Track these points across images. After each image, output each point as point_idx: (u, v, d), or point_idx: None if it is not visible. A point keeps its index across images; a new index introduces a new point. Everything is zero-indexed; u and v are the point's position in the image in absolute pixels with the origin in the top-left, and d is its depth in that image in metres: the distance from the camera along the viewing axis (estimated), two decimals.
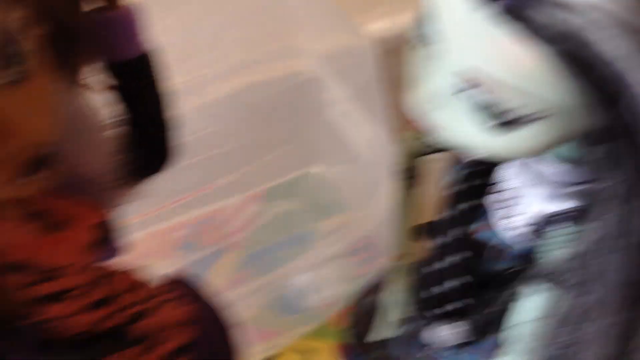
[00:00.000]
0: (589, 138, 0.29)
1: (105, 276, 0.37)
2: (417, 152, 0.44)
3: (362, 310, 0.51)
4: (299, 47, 0.77)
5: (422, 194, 0.46)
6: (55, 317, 0.33)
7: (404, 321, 0.46)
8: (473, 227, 0.37)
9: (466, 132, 0.30)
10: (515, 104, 0.27)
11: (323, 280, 0.71)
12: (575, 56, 0.23)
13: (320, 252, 0.72)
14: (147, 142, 0.36)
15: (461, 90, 0.28)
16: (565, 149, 0.33)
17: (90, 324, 0.35)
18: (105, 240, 0.37)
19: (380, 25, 0.85)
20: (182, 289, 0.44)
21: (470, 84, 0.27)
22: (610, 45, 0.23)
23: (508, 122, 0.28)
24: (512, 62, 0.25)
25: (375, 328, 0.47)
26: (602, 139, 0.26)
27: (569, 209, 0.33)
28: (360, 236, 0.72)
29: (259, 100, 0.76)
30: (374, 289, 0.52)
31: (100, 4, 0.34)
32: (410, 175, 0.45)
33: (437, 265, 0.40)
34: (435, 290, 0.40)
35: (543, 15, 0.23)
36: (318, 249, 0.75)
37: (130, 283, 0.38)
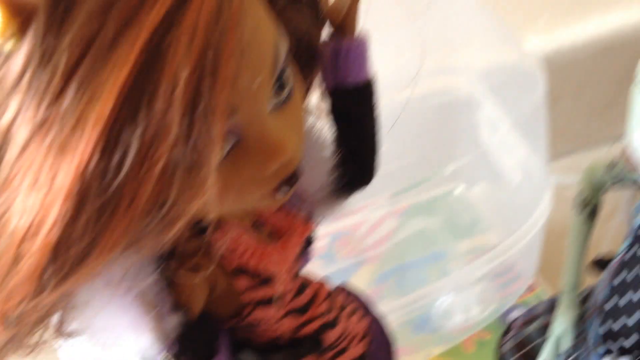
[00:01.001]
0: None
1: (306, 284, 0.40)
2: (603, 184, 0.45)
3: (521, 340, 0.52)
4: (457, 64, 0.79)
5: (598, 226, 0.47)
6: (264, 320, 0.37)
7: (569, 353, 0.47)
8: None
9: None
10: None
11: (462, 302, 0.72)
12: None
13: (460, 274, 0.73)
14: (359, 161, 0.39)
15: None
16: None
17: (293, 328, 0.39)
18: (307, 250, 0.40)
19: (540, 41, 0.86)
20: (357, 301, 0.47)
21: None
22: None
23: None
24: None
25: (538, 358, 0.48)
26: None
27: None
28: (502, 260, 0.72)
29: (410, 116, 0.78)
30: (531, 318, 0.53)
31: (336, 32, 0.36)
32: (590, 206, 0.46)
33: (618, 301, 0.41)
34: (612, 325, 0.41)
35: None
36: (458, 270, 0.77)
37: (326, 292, 0.41)
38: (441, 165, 0.86)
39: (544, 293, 0.79)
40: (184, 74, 0.23)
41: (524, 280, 0.78)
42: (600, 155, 0.47)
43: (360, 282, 0.81)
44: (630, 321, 0.40)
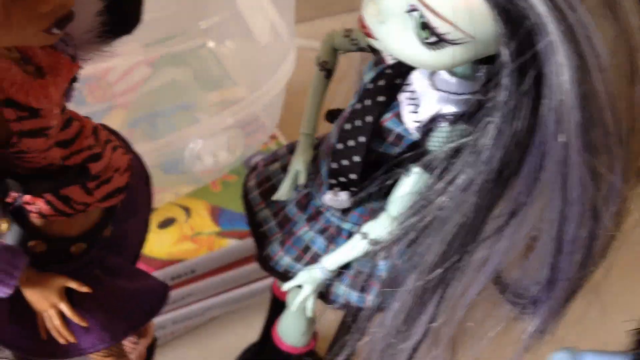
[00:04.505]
0: (491, 61, 0.38)
1: (72, 119, 0.42)
2: (341, 47, 0.52)
3: (264, 177, 0.59)
4: None
5: (335, 83, 0.55)
6: (33, 150, 0.39)
7: (302, 187, 0.56)
8: (385, 116, 0.46)
9: (402, 45, 0.38)
10: (445, 30, 0.36)
11: (211, 147, 0.78)
12: (505, 8, 0.32)
13: (210, 122, 0.79)
14: (125, 7, 0.41)
15: (408, 11, 0.37)
16: (458, 67, 0.43)
17: (61, 158, 0.41)
18: (72, 88, 0.42)
19: None
20: (118, 138, 0.50)
21: (415, 7, 0.36)
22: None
23: (436, 42, 0.37)
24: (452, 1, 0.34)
25: (277, 191, 0.56)
26: (502, 66, 0.36)
27: (452, 113, 0.44)
28: (248, 112, 0.79)
29: None
30: (273, 159, 0.60)
31: None
32: (328, 67, 0.53)
33: (342, 146, 0.49)
34: (337, 164, 0.50)
35: None
36: (207, 119, 0.82)
37: (92, 127, 0.44)
38: (194, 20, 0.88)
39: (284, 142, 0.88)
40: None
41: (267, 130, 0.86)
42: (339, 22, 0.54)
43: (111, 127, 0.83)
44: (348, 162, 0.49)
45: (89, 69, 0.81)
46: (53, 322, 0.46)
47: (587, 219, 0.36)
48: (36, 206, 0.43)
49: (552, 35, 0.30)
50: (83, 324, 0.46)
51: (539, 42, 0.31)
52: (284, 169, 0.57)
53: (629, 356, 0.28)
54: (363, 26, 0.40)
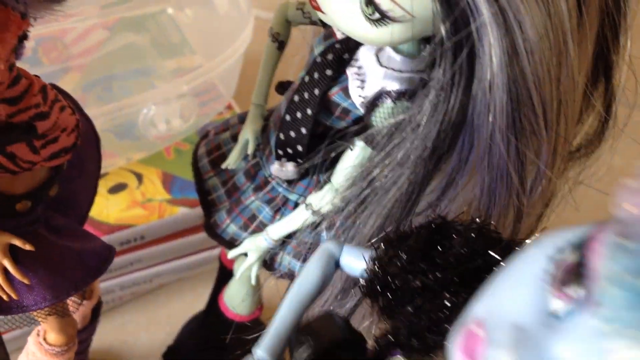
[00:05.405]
0: (431, 40, 0.40)
1: (20, 76, 0.42)
2: (293, 20, 0.53)
3: (214, 144, 0.60)
4: None
5: (285, 55, 0.55)
6: None
7: (251, 156, 0.56)
8: (332, 90, 0.48)
9: (347, 19, 0.39)
10: (387, 7, 0.37)
11: (165, 113, 0.78)
12: None
13: (165, 88, 0.79)
14: None
15: None
16: (403, 46, 0.44)
17: (7, 115, 0.41)
18: (21, 46, 0.42)
19: None
20: (68, 99, 0.50)
21: None
22: None
23: (379, 19, 0.38)
24: None
25: (227, 160, 0.57)
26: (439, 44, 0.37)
27: (396, 90, 0.45)
28: (205, 79, 0.79)
29: None
30: (224, 128, 0.61)
31: None
32: (280, 38, 0.54)
33: (290, 117, 0.50)
34: (284, 136, 0.51)
35: None
36: (163, 86, 0.82)
37: (40, 86, 0.44)
38: None
39: (239, 112, 0.89)
40: None
41: (222, 100, 0.87)
42: None
43: (66, 89, 0.82)
44: (295, 134, 0.50)
45: (44, 30, 0.81)
46: None
47: (512, 197, 0.38)
48: None
49: (484, 17, 0.32)
50: (25, 281, 0.47)
51: (472, 23, 0.33)
52: (235, 138, 0.58)
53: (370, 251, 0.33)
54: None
